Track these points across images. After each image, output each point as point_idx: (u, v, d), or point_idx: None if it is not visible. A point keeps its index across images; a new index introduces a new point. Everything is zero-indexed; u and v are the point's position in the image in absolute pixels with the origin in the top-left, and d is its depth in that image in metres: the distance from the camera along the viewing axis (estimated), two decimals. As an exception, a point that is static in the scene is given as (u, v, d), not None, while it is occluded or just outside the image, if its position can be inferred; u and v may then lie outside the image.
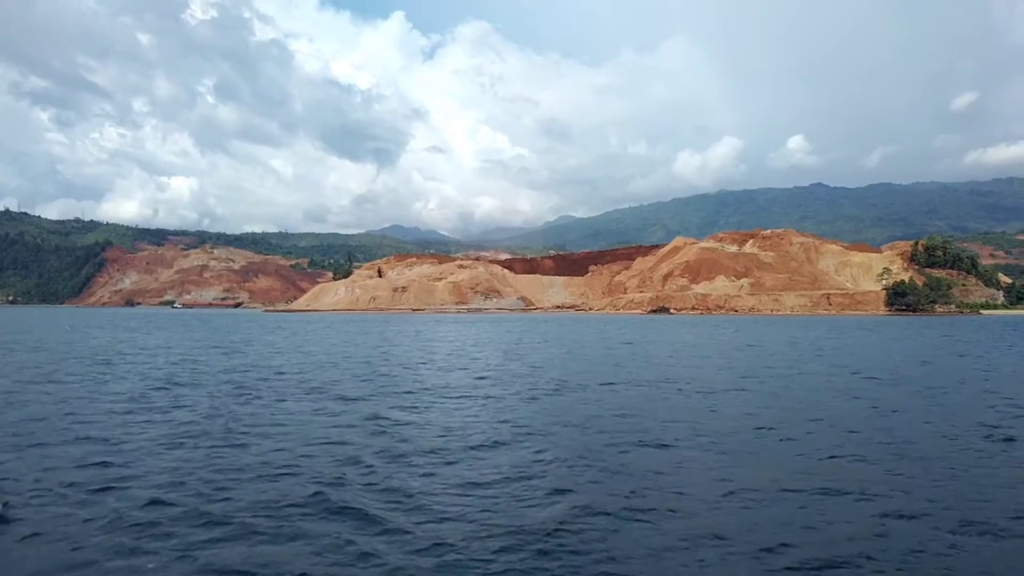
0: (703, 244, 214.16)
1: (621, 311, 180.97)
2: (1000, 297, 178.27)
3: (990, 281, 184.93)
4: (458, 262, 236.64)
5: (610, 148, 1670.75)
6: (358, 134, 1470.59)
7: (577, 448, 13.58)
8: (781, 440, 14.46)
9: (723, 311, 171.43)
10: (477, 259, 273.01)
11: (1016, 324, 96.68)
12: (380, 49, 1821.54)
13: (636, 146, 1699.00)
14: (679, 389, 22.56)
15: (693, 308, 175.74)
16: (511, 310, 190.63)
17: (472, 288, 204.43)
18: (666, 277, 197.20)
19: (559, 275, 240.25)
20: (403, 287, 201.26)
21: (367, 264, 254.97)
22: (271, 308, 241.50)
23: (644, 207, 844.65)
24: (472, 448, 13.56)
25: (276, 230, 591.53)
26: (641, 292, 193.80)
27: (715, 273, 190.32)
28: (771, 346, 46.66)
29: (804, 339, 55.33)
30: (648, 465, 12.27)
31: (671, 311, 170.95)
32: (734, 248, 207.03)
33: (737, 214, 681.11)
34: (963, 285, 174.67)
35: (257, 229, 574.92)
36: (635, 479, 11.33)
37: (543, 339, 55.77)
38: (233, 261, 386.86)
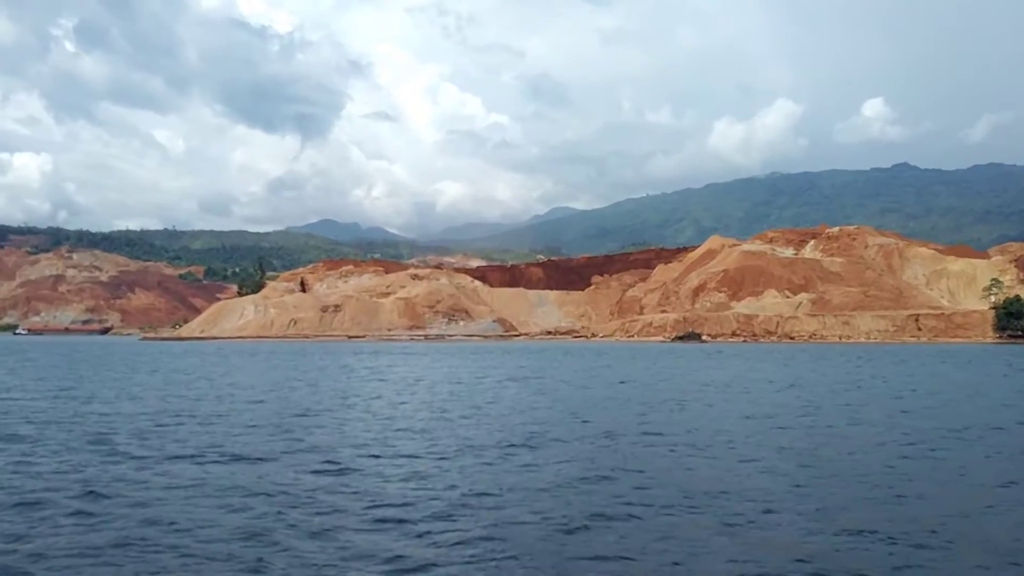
0: (747, 247, 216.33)
1: (636, 337, 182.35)
2: None
3: None
4: (412, 271, 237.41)
5: (622, 115, 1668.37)
6: (274, 95, 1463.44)
7: (517, 525, 14.11)
8: (799, 514, 15.13)
9: (774, 337, 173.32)
10: (439, 267, 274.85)
11: None
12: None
13: (658, 113, 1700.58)
14: (671, 448, 23.23)
15: (734, 334, 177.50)
16: (485, 336, 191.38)
17: (431, 307, 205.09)
18: (697, 291, 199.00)
19: (551, 289, 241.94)
20: (335, 306, 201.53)
21: (286, 274, 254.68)
22: (152, 335, 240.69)
23: (668, 196, 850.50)
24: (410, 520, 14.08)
25: (161, 227, 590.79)
26: (663, 312, 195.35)
27: (763, 286, 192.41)
28: (822, 384, 47.65)
29: (875, 375, 56.38)
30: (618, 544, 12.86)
31: (703, 338, 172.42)
32: (789, 252, 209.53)
33: (794, 205, 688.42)
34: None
35: (134, 226, 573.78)
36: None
37: (513, 376, 56.46)
38: (100, 270, 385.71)
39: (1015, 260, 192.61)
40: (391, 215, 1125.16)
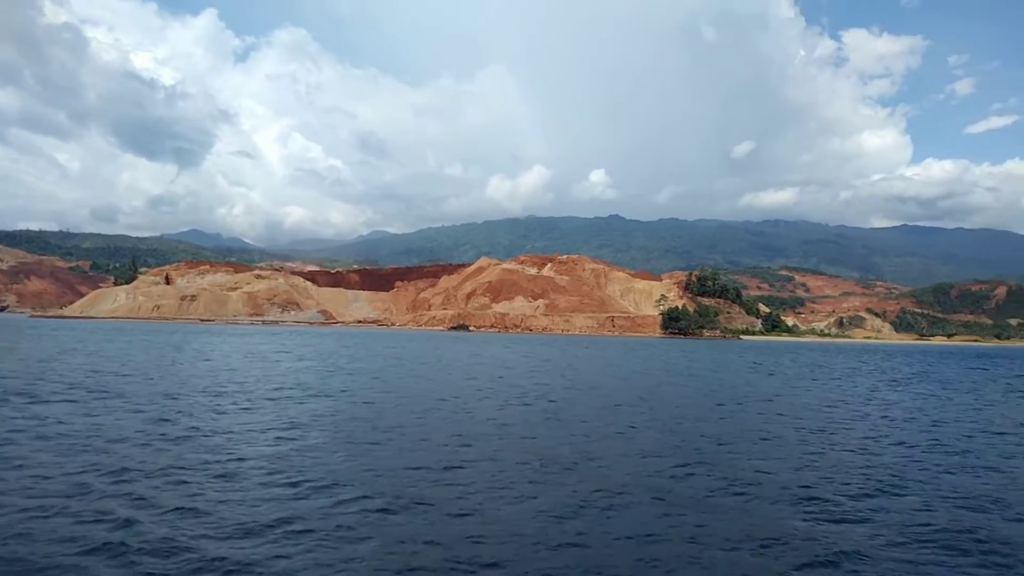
0: (506, 265, 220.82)
1: (423, 327, 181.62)
2: (758, 324, 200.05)
3: (751, 310, 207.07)
4: (256, 272, 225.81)
5: (427, 167, 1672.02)
6: (158, 132, 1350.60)
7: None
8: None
9: (519, 330, 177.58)
10: (280, 270, 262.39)
11: (751, 349, 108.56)
12: (188, 45, 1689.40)
13: (452, 167, 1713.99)
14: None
15: (492, 326, 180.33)
16: (310, 323, 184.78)
17: (269, 299, 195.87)
18: (469, 296, 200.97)
19: (365, 290, 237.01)
20: (192, 296, 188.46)
21: (154, 270, 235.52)
22: (40, 314, 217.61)
23: (457, 227, 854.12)
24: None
25: (56, 228, 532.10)
26: (444, 309, 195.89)
27: (515, 293, 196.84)
28: (498, 359, 49.10)
29: (532, 354, 58.70)
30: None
31: (471, 328, 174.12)
32: (534, 270, 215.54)
33: (543, 239, 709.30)
34: (728, 312, 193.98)
35: (34, 226, 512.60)
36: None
37: (287, 349, 54.76)
38: (2, 260, 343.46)
39: (677, 283, 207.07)
40: (247, 229, 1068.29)
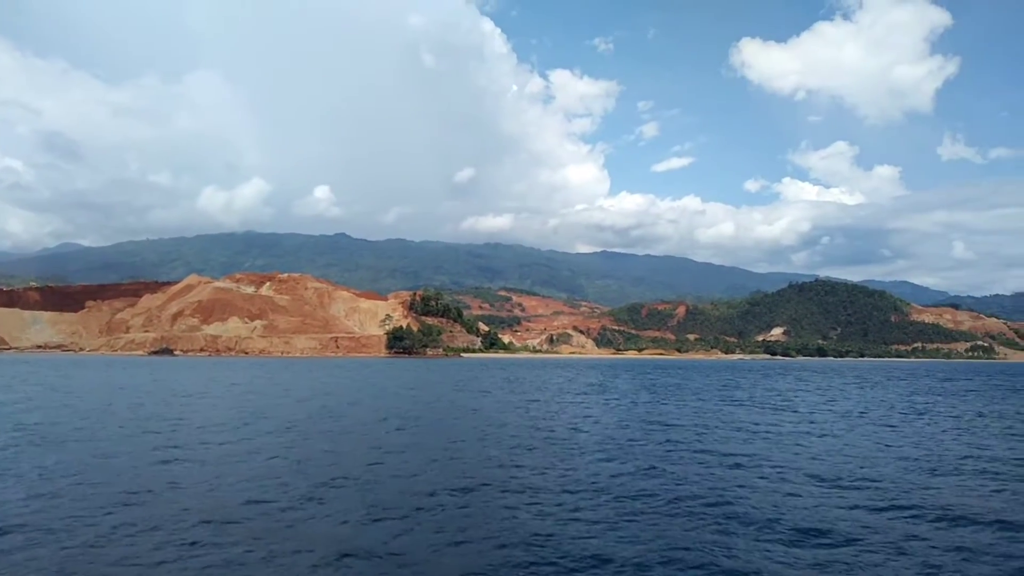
0: (218, 284, 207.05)
1: (119, 352, 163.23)
2: (478, 342, 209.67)
3: (472, 329, 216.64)
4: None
5: (128, 173, 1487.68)
6: None
7: None
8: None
9: (234, 353, 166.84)
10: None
11: (465, 365, 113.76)
12: None
13: (158, 175, 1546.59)
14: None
15: (202, 349, 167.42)
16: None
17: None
18: (176, 317, 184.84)
19: (48, 310, 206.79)
20: None
21: None
22: None
23: (165, 241, 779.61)
24: None
25: None
26: (146, 332, 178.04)
27: (229, 314, 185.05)
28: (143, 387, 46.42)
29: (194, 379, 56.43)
30: None
31: (176, 352, 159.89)
32: (251, 289, 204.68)
33: (265, 256, 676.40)
34: (450, 331, 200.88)
35: None
36: None
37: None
38: None
39: (403, 303, 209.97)
40: None
